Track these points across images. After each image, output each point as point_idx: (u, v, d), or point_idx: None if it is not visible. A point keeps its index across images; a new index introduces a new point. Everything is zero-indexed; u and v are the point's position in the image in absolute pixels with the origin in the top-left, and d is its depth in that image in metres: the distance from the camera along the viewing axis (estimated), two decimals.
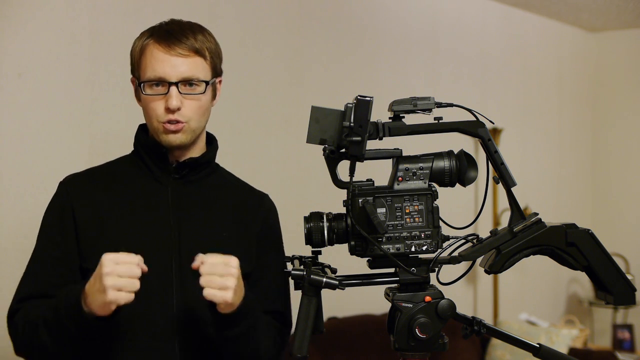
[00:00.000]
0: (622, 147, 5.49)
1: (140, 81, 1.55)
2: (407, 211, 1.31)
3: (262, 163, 3.29)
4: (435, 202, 1.31)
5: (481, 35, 4.61)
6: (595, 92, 5.59)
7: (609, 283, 1.30)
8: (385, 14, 3.95)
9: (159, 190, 1.59)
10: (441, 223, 1.32)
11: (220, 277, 1.36)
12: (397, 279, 1.33)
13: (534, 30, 5.04)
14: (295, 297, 1.58)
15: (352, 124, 1.25)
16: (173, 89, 1.51)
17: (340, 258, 1.51)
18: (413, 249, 1.30)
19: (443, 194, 1.37)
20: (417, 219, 1.31)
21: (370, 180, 1.33)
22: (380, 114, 1.34)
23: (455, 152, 1.34)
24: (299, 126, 3.23)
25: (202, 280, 1.35)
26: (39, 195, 2.49)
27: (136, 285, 1.33)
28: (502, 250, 1.30)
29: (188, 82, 1.53)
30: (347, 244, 1.32)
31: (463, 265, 1.36)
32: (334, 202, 1.50)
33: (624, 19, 5.19)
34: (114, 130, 2.70)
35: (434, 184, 1.33)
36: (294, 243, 1.71)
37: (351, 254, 1.33)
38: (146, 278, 1.51)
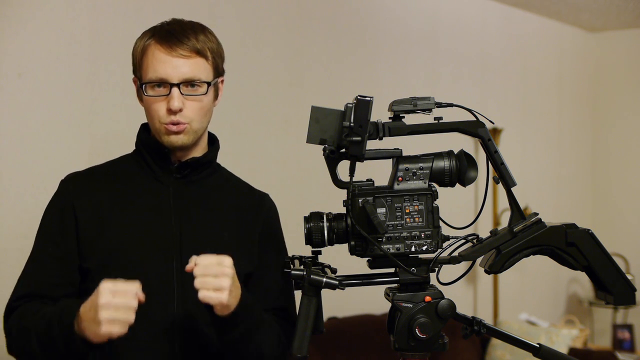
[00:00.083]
0: (622, 147, 5.49)
1: (142, 82, 1.55)
2: (407, 211, 1.31)
3: (262, 163, 3.29)
4: (435, 202, 1.31)
5: (481, 35, 4.61)
6: (595, 92, 5.59)
7: (609, 283, 1.30)
8: (385, 14, 3.95)
9: (160, 190, 1.58)
10: (441, 223, 1.32)
11: (214, 277, 1.35)
12: (397, 279, 1.33)
13: (534, 30, 5.04)
14: (295, 297, 1.58)
15: (352, 124, 1.25)
16: (175, 90, 1.51)
17: (340, 258, 1.51)
18: (413, 249, 1.30)
19: (443, 194, 1.37)
20: (417, 219, 1.31)
21: (370, 180, 1.33)
22: (380, 114, 1.34)
23: (455, 152, 1.34)
24: (299, 126, 3.23)
25: (197, 282, 1.34)
26: (39, 195, 2.49)
27: (131, 318, 1.32)
28: (502, 250, 1.30)
29: (190, 83, 1.52)
30: (347, 244, 1.32)
31: (463, 265, 1.36)
32: (334, 202, 1.50)
33: (624, 19, 5.20)
34: (114, 130, 2.70)
35: (434, 184, 1.33)
36: (294, 243, 1.71)
37: (351, 254, 1.33)
38: (147, 278, 1.51)
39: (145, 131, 1.63)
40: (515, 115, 4.86)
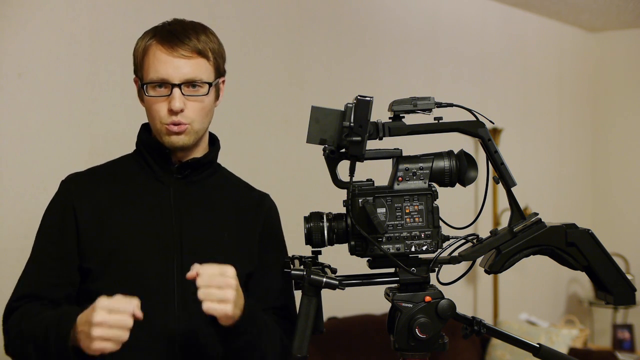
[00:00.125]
0: (622, 147, 5.49)
1: (143, 82, 1.55)
2: (407, 211, 1.31)
3: (262, 163, 3.29)
4: (435, 202, 1.31)
5: (481, 35, 4.61)
6: (595, 92, 5.59)
7: (609, 283, 1.30)
8: (385, 14, 3.95)
9: (161, 190, 1.58)
10: (441, 223, 1.32)
11: (218, 289, 1.34)
12: (397, 279, 1.33)
13: (534, 30, 5.04)
14: (295, 297, 1.58)
15: (352, 124, 1.25)
16: (176, 90, 1.51)
17: (340, 258, 1.51)
18: (413, 249, 1.30)
19: (443, 194, 1.37)
20: (417, 219, 1.31)
21: (370, 180, 1.33)
22: (380, 114, 1.34)
23: (455, 152, 1.34)
24: (299, 126, 3.23)
25: (200, 294, 1.33)
26: (39, 195, 2.49)
27: (125, 336, 1.31)
28: (502, 250, 1.30)
29: (191, 83, 1.52)
30: (347, 244, 1.32)
31: (463, 265, 1.36)
32: (334, 202, 1.50)
33: (624, 19, 5.20)
34: (114, 130, 2.70)
35: (434, 184, 1.33)
36: (294, 243, 1.71)
37: (351, 254, 1.33)
38: (147, 278, 1.51)
39: (146, 131, 1.63)
40: (515, 115, 4.86)
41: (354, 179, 1.31)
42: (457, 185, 1.34)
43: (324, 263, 1.34)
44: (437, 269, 1.33)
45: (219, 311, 1.34)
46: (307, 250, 1.34)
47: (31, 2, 2.53)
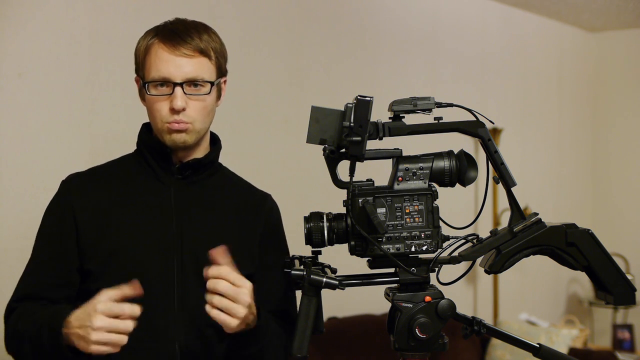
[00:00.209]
0: (622, 147, 5.49)
1: (144, 81, 1.54)
2: (407, 211, 1.30)
3: (262, 163, 3.29)
4: (435, 202, 1.31)
5: (481, 35, 4.61)
6: (595, 92, 5.59)
7: (609, 283, 1.30)
8: (385, 14, 3.95)
9: (161, 191, 1.58)
10: (441, 223, 1.32)
11: (232, 302, 1.35)
12: (397, 279, 1.33)
13: (534, 30, 5.04)
14: (295, 297, 1.58)
15: (352, 124, 1.25)
16: (178, 89, 1.50)
17: (340, 258, 1.51)
18: (413, 249, 1.30)
19: (443, 194, 1.37)
20: (417, 219, 1.31)
21: (370, 180, 1.33)
22: (380, 114, 1.34)
23: (455, 152, 1.34)
24: (299, 126, 3.23)
25: (215, 300, 1.34)
26: (39, 195, 2.49)
27: (124, 340, 1.32)
28: (502, 250, 1.30)
29: (193, 82, 1.52)
30: (347, 244, 1.32)
31: (463, 265, 1.36)
32: (334, 202, 1.50)
33: (624, 19, 5.20)
34: (114, 130, 2.70)
35: (434, 184, 1.33)
36: (294, 243, 1.71)
37: (351, 254, 1.32)
38: (147, 279, 1.51)
39: (146, 131, 1.63)
40: (515, 115, 4.86)
41: (354, 179, 1.31)
42: (457, 185, 1.34)
43: (324, 263, 1.34)
44: (437, 269, 1.33)
45: (225, 322, 1.35)
46: (307, 250, 1.34)
47: (31, 2, 2.53)
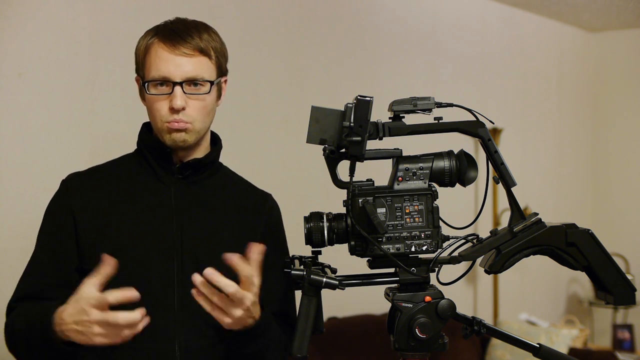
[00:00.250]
0: (622, 147, 5.49)
1: (144, 80, 1.54)
2: (407, 211, 1.30)
3: (262, 163, 3.29)
4: (435, 202, 1.31)
5: (481, 35, 4.61)
6: (595, 92, 5.59)
7: (609, 283, 1.30)
8: (386, 14, 3.95)
9: (162, 191, 1.58)
10: (441, 223, 1.32)
11: (231, 305, 1.35)
12: (397, 279, 1.33)
13: (534, 30, 5.04)
14: (295, 297, 1.58)
15: (352, 124, 1.25)
16: (177, 88, 1.50)
17: (340, 258, 1.51)
18: (413, 249, 1.30)
19: (443, 194, 1.37)
20: (417, 219, 1.31)
21: (370, 180, 1.33)
22: (380, 114, 1.34)
23: (455, 152, 1.34)
24: (299, 126, 3.24)
25: (216, 300, 1.34)
26: (39, 195, 2.49)
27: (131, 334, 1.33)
28: (502, 250, 1.30)
29: (192, 82, 1.52)
30: (347, 244, 1.32)
31: (463, 265, 1.36)
32: (334, 202, 1.50)
33: (624, 19, 5.20)
34: (114, 130, 2.70)
35: (434, 184, 1.33)
36: (294, 243, 1.71)
37: (351, 254, 1.32)
38: (147, 279, 1.51)
39: (147, 131, 1.62)
40: (515, 115, 4.86)
41: (354, 179, 1.31)
42: (457, 185, 1.34)
43: (324, 263, 1.34)
44: (437, 269, 1.33)
45: (218, 318, 1.36)
46: (307, 250, 1.34)
47: (31, 2, 2.53)
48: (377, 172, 1.43)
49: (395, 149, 1.33)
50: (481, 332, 1.35)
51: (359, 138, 1.25)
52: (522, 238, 1.30)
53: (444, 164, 1.32)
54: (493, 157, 1.31)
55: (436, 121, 1.31)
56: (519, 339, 1.38)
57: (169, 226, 1.55)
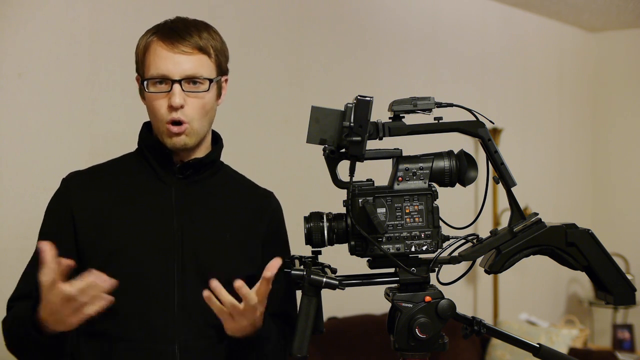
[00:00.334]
0: (622, 147, 5.49)
1: (143, 79, 1.54)
2: (407, 211, 1.30)
3: (262, 163, 3.29)
4: (435, 202, 1.31)
5: (481, 35, 4.61)
6: (595, 92, 5.59)
7: (609, 283, 1.30)
8: (385, 14, 3.95)
9: (162, 190, 1.58)
10: (441, 223, 1.32)
11: (238, 313, 1.38)
12: (397, 279, 1.33)
13: (534, 30, 5.04)
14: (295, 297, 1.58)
15: (352, 124, 1.25)
16: (176, 86, 1.50)
17: (340, 258, 1.51)
18: (413, 249, 1.30)
19: (443, 194, 1.37)
20: (417, 219, 1.31)
21: (370, 180, 1.33)
22: (380, 114, 1.34)
23: (455, 152, 1.34)
24: (299, 126, 3.23)
25: (227, 303, 1.37)
26: (39, 195, 2.49)
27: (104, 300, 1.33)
28: (502, 250, 1.30)
29: (191, 79, 1.52)
30: (347, 244, 1.32)
31: (463, 265, 1.36)
32: (334, 202, 1.50)
33: (624, 19, 5.20)
34: (114, 130, 2.70)
35: (434, 184, 1.33)
36: (294, 243, 1.71)
37: (351, 254, 1.32)
38: (147, 279, 1.51)
39: (147, 130, 1.62)
40: (515, 115, 4.86)
41: (354, 179, 1.31)
42: (457, 185, 1.34)
43: (324, 263, 1.34)
44: (437, 269, 1.33)
45: (224, 325, 1.39)
46: (307, 250, 1.34)
47: (31, 2, 2.53)
48: (377, 172, 1.43)
49: (395, 149, 1.33)
50: (481, 332, 1.35)
51: (359, 138, 1.25)
52: (522, 238, 1.30)
53: (444, 164, 1.32)
54: (493, 157, 1.31)
55: (436, 121, 1.31)
56: (519, 339, 1.38)
57: (170, 226, 1.55)
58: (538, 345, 1.37)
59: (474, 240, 1.34)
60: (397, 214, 1.30)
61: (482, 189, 4.37)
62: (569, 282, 5.30)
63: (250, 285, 1.50)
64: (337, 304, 3.47)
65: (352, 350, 3.45)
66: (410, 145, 1.40)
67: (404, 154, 1.33)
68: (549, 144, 5.19)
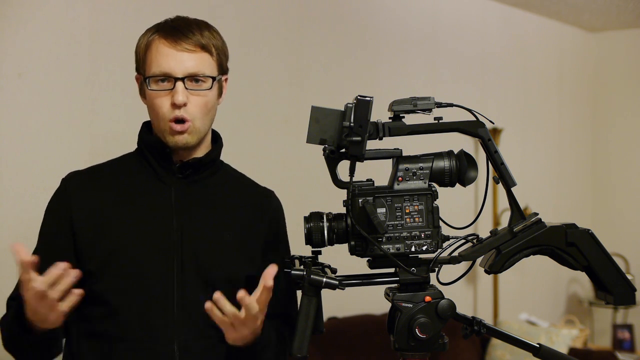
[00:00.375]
0: (622, 147, 5.49)
1: (145, 76, 1.53)
2: (407, 211, 1.31)
3: (261, 163, 3.29)
4: (435, 202, 1.31)
5: (481, 35, 4.61)
6: (595, 92, 5.59)
7: (609, 283, 1.30)
8: (385, 14, 3.95)
9: (162, 190, 1.57)
10: (441, 223, 1.32)
11: (239, 321, 1.39)
12: (397, 279, 1.33)
13: (534, 30, 5.04)
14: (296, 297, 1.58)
15: (352, 124, 1.25)
16: (179, 84, 1.50)
17: (340, 258, 1.51)
18: (413, 249, 1.30)
19: (443, 194, 1.37)
20: (417, 219, 1.31)
21: (370, 180, 1.33)
22: (380, 114, 1.34)
23: (455, 152, 1.34)
24: (299, 126, 3.23)
25: (228, 311, 1.37)
26: (39, 195, 2.49)
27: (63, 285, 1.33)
28: (502, 250, 1.30)
29: (194, 77, 1.51)
30: (347, 244, 1.32)
31: (463, 265, 1.36)
32: (334, 202, 1.50)
33: (624, 19, 5.20)
34: (114, 130, 2.70)
35: (434, 184, 1.33)
36: (294, 243, 1.71)
37: (351, 254, 1.33)
38: (147, 279, 1.51)
39: (147, 130, 1.62)
40: (515, 115, 4.86)
41: (354, 179, 1.31)
42: (457, 185, 1.34)
43: (324, 263, 1.34)
44: (437, 269, 1.33)
45: (225, 334, 1.40)
46: (307, 250, 1.34)
47: (31, 2, 2.53)
48: (377, 172, 1.43)
49: (395, 149, 1.33)
50: (481, 332, 1.35)
51: (359, 138, 1.25)
52: (522, 238, 1.30)
53: (444, 164, 1.32)
54: (493, 157, 1.31)
55: (436, 121, 1.31)
56: (519, 339, 1.38)
57: (169, 226, 1.55)
58: (538, 345, 1.37)
59: (474, 240, 1.34)
60: (397, 214, 1.30)
61: (482, 189, 4.37)
62: (569, 282, 5.30)
63: (251, 285, 1.50)
64: (337, 304, 3.47)
65: (352, 350, 3.45)
66: (410, 145, 1.40)
67: (404, 154, 1.33)
68: (549, 144, 5.19)
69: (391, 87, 3.91)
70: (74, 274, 1.32)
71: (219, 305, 1.36)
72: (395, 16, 4.01)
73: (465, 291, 4.48)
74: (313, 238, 1.31)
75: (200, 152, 1.60)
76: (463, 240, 1.34)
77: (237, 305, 1.56)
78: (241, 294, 1.35)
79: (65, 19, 2.60)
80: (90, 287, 1.52)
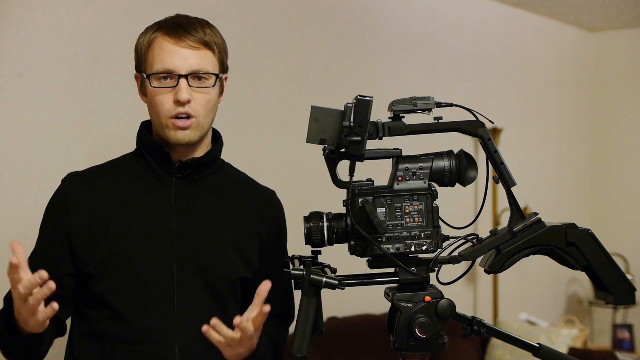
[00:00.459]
0: (622, 147, 5.49)
1: (147, 74, 1.52)
2: (407, 211, 1.31)
3: (261, 163, 3.29)
4: (435, 202, 1.31)
5: (481, 35, 4.61)
6: (595, 92, 5.59)
7: (609, 283, 1.30)
8: (385, 14, 3.94)
9: (161, 191, 1.57)
10: (441, 223, 1.32)
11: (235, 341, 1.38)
12: (397, 279, 1.33)
13: (534, 30, 5.04)
14: (296, 297, 1.58)
15: (352, 124, 1.25)
16: (183, 81, 1.49)
17: (340, 258, 1.51)
18: (413, 249, 1.30)
19: (443, 194, 1.37)
20: (417, 219, 1.31)
21: (370, 180, 1.33)
22: (380, 114, 1.34)
23: (455, 152, 1.34)
24: (299, 126, 3.23)
25: (225, 332, 1.37)
26: (39, 195, 2.48)
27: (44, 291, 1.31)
28: (502, 250, 1.30)
29: (197, 75, 1.51)
30: (347, 244, 1.32)
31: (463, 265, 1.36)
32: (334, 202, 1.50)
33: (624, 19, 5.19)
34: (114, 130, 2.70)
35: (434, 184, 1.33)
36: (294, 243, 1.71)
37: (351, 254, 1.33)
38: (147, 280, 1.50)
39: (145, 130, 1.61)
40: (515, 115, 4.86)
41: (354, 179, 1.31)
42: (457, 185, 1.34)
43: (324, 263, 1.34)
44: (437, 269, 1.33)
45: (223, 352, 1.40)
46: (307, 250, 1.34)
47: (31, 2, 2.53)
48: (377, 172, 1.43)
49: (395, 149, 1.33)
50: (481, 332, 1.35)
51: (359, 138, 1.25)
52: (522, 238, 1.30)
53: (444, 164, 1.32)
54: (493, 157, 1.31)
55: (436, 121, 1.32)
56: (519, 339, 1.38)
57: (169, 227, 1.54)
58: (538, 345, 1.37)
59: (474, 240, 1.34)
60: (397, 214, 1.30)
61: (482, 189, 4.36)
62: (569, 282, 5.30)
63: (251, 286, 1.50)
64: (337, 304, 3.47)
65: (352, 350, 3.45)
66: (410, 145, 1.40)
67: (404, 154, 1.33)
68: (549, 144, 5.19)
69: (391, 87, 3.91)
70: (49, 287, 1.29)
71: (216, 330, 1.36)
72: (395, 16, 4.01)
73: (465, 291, 4.48)
74: (313, 238, 1.31)
75: (200, 152, 1.59)
76: (463, 240, 1.35)
77: (236, 305, 1.56)
78: (237, 320, 1.35)
79: (65, 19, 2.60)
80: (90, 289, 1.52)
